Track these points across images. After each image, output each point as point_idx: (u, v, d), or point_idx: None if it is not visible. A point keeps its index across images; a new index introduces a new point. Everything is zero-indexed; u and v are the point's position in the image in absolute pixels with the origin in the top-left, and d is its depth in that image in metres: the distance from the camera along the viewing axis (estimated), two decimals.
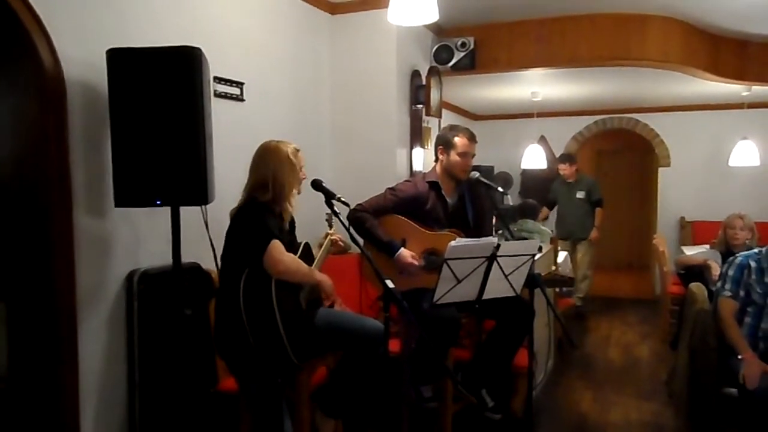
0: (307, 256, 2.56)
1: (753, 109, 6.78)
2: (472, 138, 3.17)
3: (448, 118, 6.04)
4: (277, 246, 2.30)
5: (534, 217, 5.64)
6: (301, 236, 2.69)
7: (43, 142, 2.29)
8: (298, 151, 2.54)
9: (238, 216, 2.44)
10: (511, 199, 7.38)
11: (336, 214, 2.50)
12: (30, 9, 2.21)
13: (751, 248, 3.40)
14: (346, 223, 2.50)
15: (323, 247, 2.68)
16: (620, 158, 9.80)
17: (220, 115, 2.89)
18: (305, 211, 2.77)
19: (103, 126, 2.41)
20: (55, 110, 2.30)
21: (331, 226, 2.71)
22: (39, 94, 2.29)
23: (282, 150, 2.49)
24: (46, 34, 2.26)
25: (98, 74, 2.36)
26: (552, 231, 6.03)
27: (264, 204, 2.42)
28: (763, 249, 3.15)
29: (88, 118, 2.43)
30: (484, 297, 2.55)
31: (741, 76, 5.27)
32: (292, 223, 2.64)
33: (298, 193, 2.58)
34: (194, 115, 2.31)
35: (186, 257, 2.52)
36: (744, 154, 6.42)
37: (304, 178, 2.57)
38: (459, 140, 3.13)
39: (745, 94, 6.14)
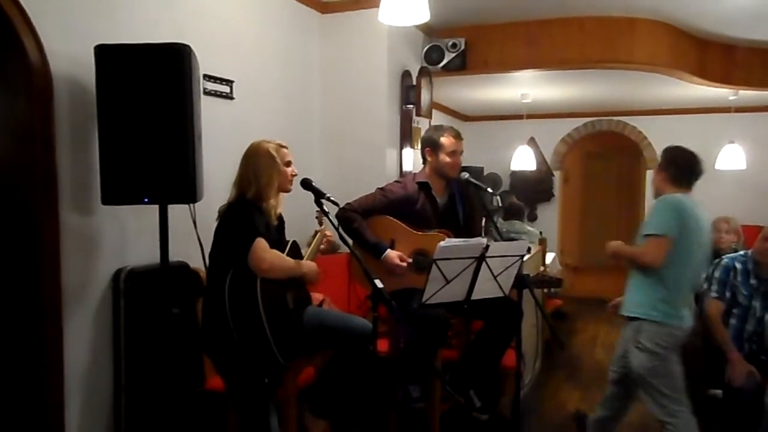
0: (295, 254, 2.55)
1: (740, 113, 6.84)
2: (458, 136, 3.18)
3: (439, 119, 6.05)
4: (261, 244, 2.29)
5: (521, 217, 5.65)
6: (291, 235, 2.68)
7: (30, 139, 2.27)
8: (281, 146, 2.54)
9: (225, 214, 2.44)
10: (501, 200, 7.42)
11: (325, 213, 2.50)
12: (17, 4, 2.18)
13: (737, 251, 3.44)
14: (336, 222, 2.50)
15: (313, 242, 2.67)
16: (608, 160, 9.85)
17: (210, 113, 2.87)
18: (294, 210, 2.77)
19: (90, 123, 2.39)
20: (42, 107, 2.27)
21: (321, 225, 2.71)
22: (25, 91, 2.26)
23: (262, 146, 2.49)
24: (33, 29, 2.23)
25: (86, 71, 2.34)
26: (541, 233, 6.05)
27: (251, 202, 2.42)
28: (749, 251, 3.19)
29: (76, 114, 2.41)
30: (473, 297, 2.56)
31: (728, 80, 5.32)
32: (281, 221, 2.64)
33: (288, 191, 2.57)
34: (183, 113, 2.29)
35: (174, 256, 2.50)
36: (730, 158, 6.47)
37: (294, 175, 2.57)
38: (446, 140, 3.13)
39: (732, 98, 6.19)
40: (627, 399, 2.99)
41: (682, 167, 2.83)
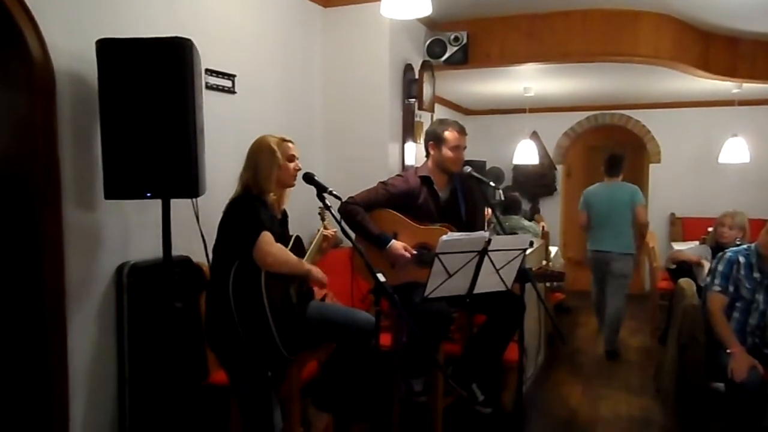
0: (298, 249, 2.55)
1: (743, 106, 6.81)
2: (462, 131, 3.17)
3: (441, 113, 6.02)
4: (266, 238, 2.29)
5: (518, 212, 5.61)
6: (293, 230, 2.68)
7: (32, 134, 2.27)
8: (284, 141, 2.53)
9: (230, 207, 2.43)
10: (503, 195, 7.38)
11: (328, 207, 2.50)
12: None
13: (741, 245, 3.42)
14: (338, 216, 2.50)
15: (315, 240, 2.67)
16: None
17: (212, 107, 2.87)
18: (297, 205, 2.76)
19: (92, 118, 2.39)
20: (44, 102, 2.27)
21: (323, 220, 2.70)
22: (27, 86, 2.26)
23: (264, 141, 2.49)
24: (35, 24, 2.23)
25: (88, 65, 2.34)
26: (544, 227, 6.04)
27: (257, 196, 2.42)
28: (752, 245, 3.18)
29: (78, 109, 2.41)
30: (475, 291, 2.56)
31: (732, 73, 5.29)
32: (285, 216, 2.64)
33: (290, 186, 2.57)
34: (185, 107, 2.29)
35: (176, 250, 2.51)
36: (734, 151, 6.44)
37: (298, 169, 2.56)
38: (449, 134, 3.13)
39: (735, 91, 6.16)
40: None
41: (606, 163, 5.21)
